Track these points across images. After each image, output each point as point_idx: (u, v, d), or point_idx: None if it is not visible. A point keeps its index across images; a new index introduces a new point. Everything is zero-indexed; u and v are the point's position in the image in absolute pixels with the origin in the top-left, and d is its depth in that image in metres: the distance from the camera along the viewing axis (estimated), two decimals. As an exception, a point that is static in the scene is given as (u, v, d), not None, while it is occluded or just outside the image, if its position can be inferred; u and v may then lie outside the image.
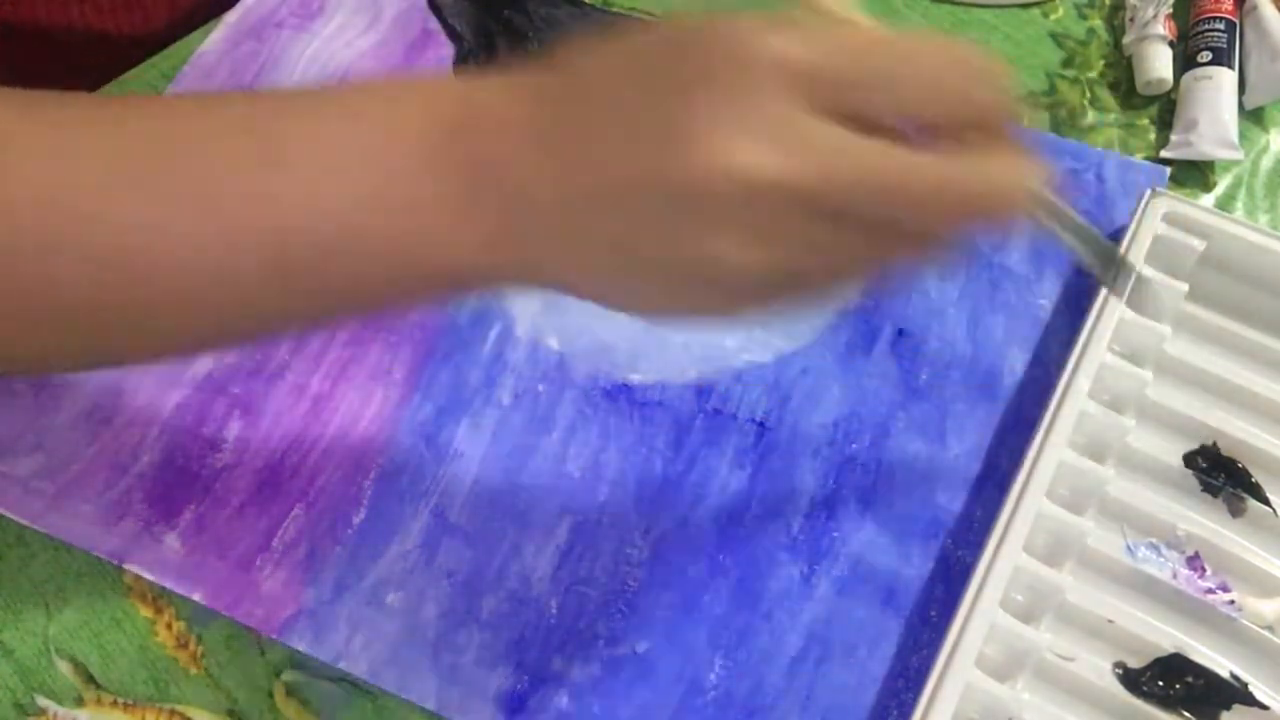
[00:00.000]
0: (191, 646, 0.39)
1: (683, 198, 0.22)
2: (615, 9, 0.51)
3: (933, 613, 0.38)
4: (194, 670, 0.38)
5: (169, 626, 0.39)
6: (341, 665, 0.37)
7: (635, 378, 0.42)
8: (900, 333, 0.43)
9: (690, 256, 0.23)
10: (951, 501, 0.40)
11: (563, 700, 0.37)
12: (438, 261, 0.26)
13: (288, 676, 0.38)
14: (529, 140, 0.25)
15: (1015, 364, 0.42)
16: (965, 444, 0.41)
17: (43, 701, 0.38)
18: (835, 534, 0.40)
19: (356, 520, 0.40)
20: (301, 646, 0.38)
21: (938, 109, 0.23)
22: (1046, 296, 0.43)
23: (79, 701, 0.38)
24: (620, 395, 0.42)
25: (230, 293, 0.27)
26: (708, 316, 0.26)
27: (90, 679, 0.38)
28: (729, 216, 0.22)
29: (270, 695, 0.38)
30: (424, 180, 0.25)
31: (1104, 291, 0.40)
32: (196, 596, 0.38)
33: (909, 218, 0.23)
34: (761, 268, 0.23)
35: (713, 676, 0.37)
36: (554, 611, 0.38)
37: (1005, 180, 0.23)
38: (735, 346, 0.43)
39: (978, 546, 0.37)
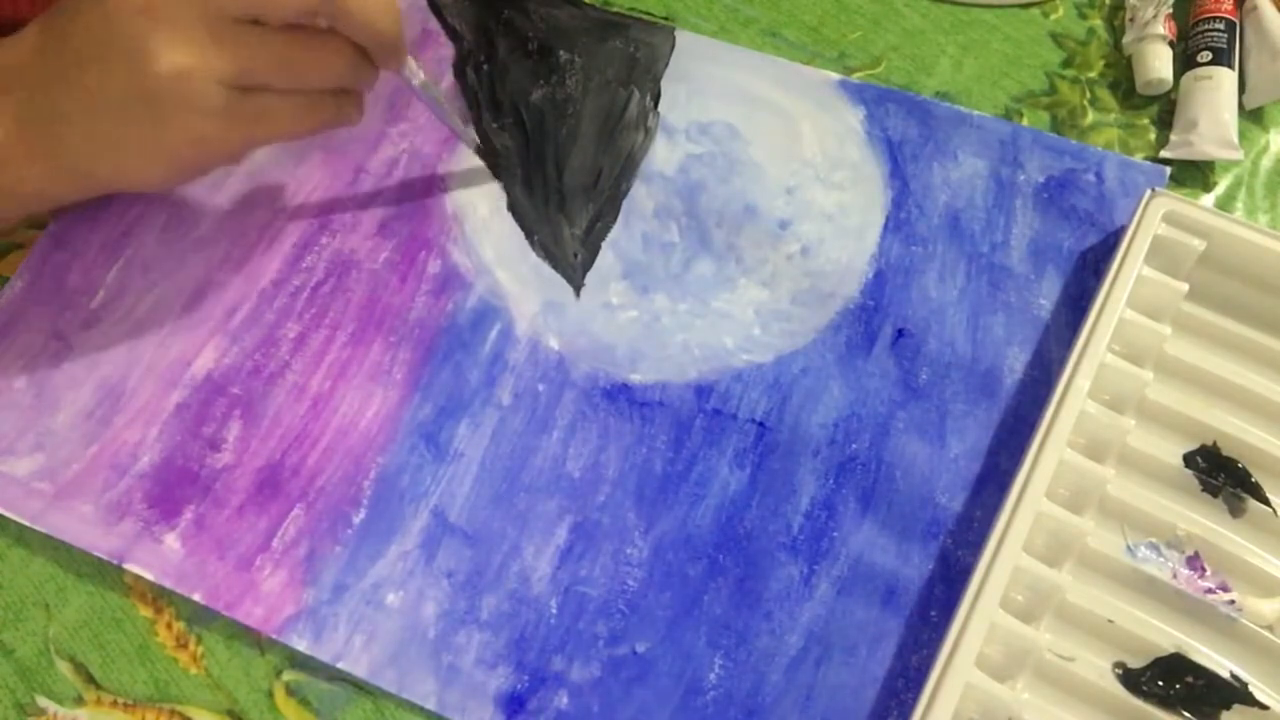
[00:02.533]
0: (191, 646, 0.39)
1: (111, 33, 0.33)
2: (615, 9, 0.51)
3: (933, 613, 0.38)
4: (194, 670, 0.38)
5: (169, 626, 0.39)
6: (341, 665, 0.37)
7: (635, 378, 0.42)
8: (900, 333, 0.43)
9: (139, 81, 0.33)
10: (951, 501, 0.40)
11: (562, 700, 0.37)
12: (24, 189, 0.38)
13: (288, 676, 0.38)
14: (44, 89, 0.35)
15: (1015, 364, 0.42)
16: (965, 444, 0.41)
17: (43, 701, 0.38)
18: (835, 534, 0.40)
19: (356, 520, 0.40)
20: (301, 646, 0.38)
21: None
22: (1046, 296, 0.43)
23: (79, 701, 0.38)
24: (620, 395, 0.42)
25: None
26: (217, 148, 0.36)
27: (90, 679, 0.38)
28: (148, 33, 0.32)
29: (270, 695, 0.38)
30: None
31: (1104, 291, 0.40)
32: (196, 596, 0.38)
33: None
34: (215, 66, 0.33)
35: (712, 676, 0.37)
36: (554, 611, 0.38)
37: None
38: (735, 346, 0.43)
39: (978, 546, 0.37)
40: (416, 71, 0.41)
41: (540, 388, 0.42)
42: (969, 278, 0.44)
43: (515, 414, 0.42)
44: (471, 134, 0.45)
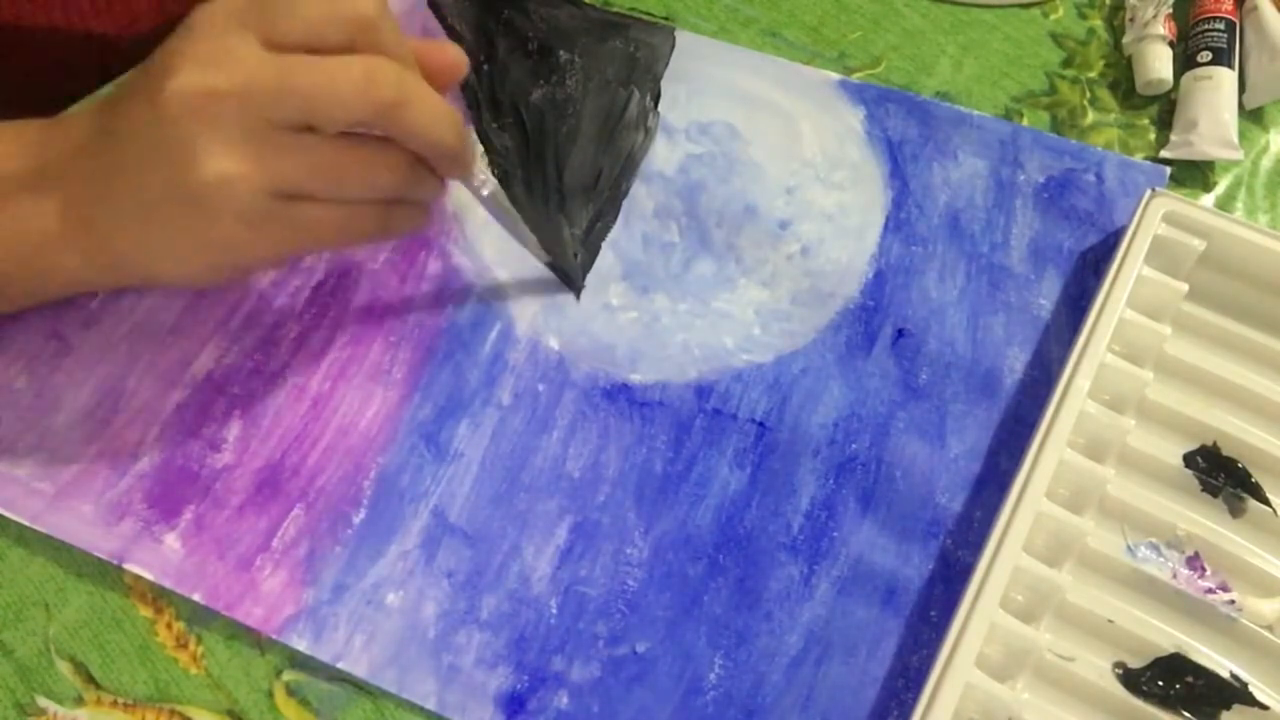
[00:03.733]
0: (191, 646, 0.39)
1: (160, 134, 0.32)
2: (615, 9, 0.51)
3: (933, 613, 0.38)
4: (194, 670, 0.38)
5: (169, 626, 0.39)
6: (341, 665, 0.37)
7: (635, 378, 0.42)
8: (900, 333, 0.43)
9: (185, 184, 0.32)
10: (951, 501, 0.40)
11: (562, 700, 0.37)
12: (60, 278, 0.38)
13: (288, 676, 0.38)
14: (88, 183, 0.35)
15: (1015, 364, 0.42)
16: (965, 444, 0.41)
17: (43, 701, 0.38)
18: (835, 534, 0.40)
19: (356, 520, 0.40)
20: (301, 646, 0.38)
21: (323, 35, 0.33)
22: (1046, 296, 0.43)
23: (79, 701, 0.38)
24: (620, 395, 0.42)
25: None
26: (265, 253, 0.35)
27: (90, 679, 0.38)
28: (197, 136, 0.32)
29: (270, 695, 0.38)
30: (32, 213, 0.36)
31: (1104, 291, 0.40)
32: (196, 596, 0.38)
33: (328, 110, 0.32)
34: (258, 174, 0.32)
35: (712, 676, 0.37)
36: (554, 611, 0.38)
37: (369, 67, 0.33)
38: (735, 346, 0.43)
39: (978, 546, 0.37)
40: (486, 181, 0.39)
41: (540, 388, 0.42)
42: (969, 278, 0.44)
43: (515, 414, 0.42)
44: (540, 247, 0.42)
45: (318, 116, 0.32)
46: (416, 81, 0.34)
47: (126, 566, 0.39)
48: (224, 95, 0.31)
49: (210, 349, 0.43)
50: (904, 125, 0.47)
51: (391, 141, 0.34)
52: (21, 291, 0.40)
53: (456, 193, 0.46)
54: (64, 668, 0.38)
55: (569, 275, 0.44)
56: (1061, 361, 0.40)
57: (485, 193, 0.39)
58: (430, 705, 0.37)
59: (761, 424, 0.41)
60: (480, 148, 0.36)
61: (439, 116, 0.34)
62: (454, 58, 0.36)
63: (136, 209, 0.34)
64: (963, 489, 0.40)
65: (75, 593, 0.39)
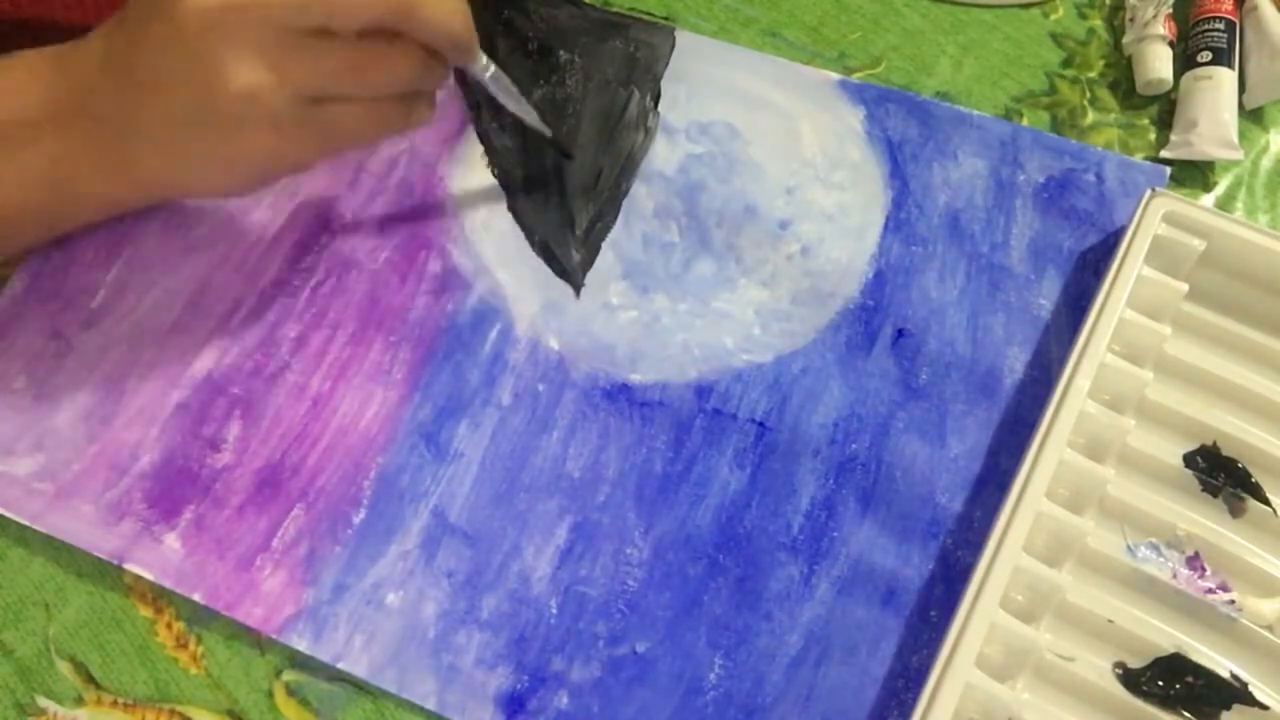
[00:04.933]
0: (191, 646, 0.39)
1: (183, 50, 0.33)
2: (615, 9, 0.51)
3: (933, 613, 0.38)
4: (194, 670, 0.38)
5: (169, 626, 0.39)
6: (341, 665, 0.37)
7: (635, 378, 0.42)
8: (900, 333, 0.43)
9: (212, 98, 0.33)
10: (951, 501, 0.40)
11: (562, 700, 0.37)
12: (91, 204, 0.40)
13: (288, 676, 0.38)
14: (112, 106, 0.36)
15: (1015, 364, 0.42)
16: (965, 444, 0.41)
17: (43, 701, 0.38)
18: (835, 534, 0.40)
19: (356, 520, 0.40)
20: (301, 646, 0.38)
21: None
22: (1046, 296, 0.43)
23: (79, 701, 0.38)
24: (620, 395, 0.42)
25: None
26: (285, 159, 0.36)
27: (90, 679, 0.38)
28: (219, 49, 0.32)
29: (270, 695, 0.38)
30: (60, 156, 0.37)
31: (1104, 291, 0.40)
32: (196, 596, 0.38)
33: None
34: (285, 81, 0.33)
35: (712, 676, 0.37)
36: (554, 611, 0.38)
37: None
38: (735, 346, 0.43)
39: (978, 546, 0.37)
40: (488, 66, 0.40)
41: (540, 388, 0.42)
42: (969, 278, 0.44)
43: (515, 414, 0.42)
44: (542, 122, 0.44)
45: (336, 20, 0.33)
46: None
47: (126, 566, 0.39)
48: (243, 7, 0.32)
49: (210, 349, 0.43)
50: (904, 125, 0.47)
51: (402, 36, 0.35)
52: (53, 220, 0.41)
53: (456, 193, 0.46)
54: (64, 668, 0.38)
55: (567, 152, 0.46)
56: (1061, 361, 0.40)
57: (489, 74, 0.40)
58: (430, 705, 0.37)
59: (761, 424, 0.41)
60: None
61: (450, 10, 0.35)
62: None
63: (165, 129, 0.35)
64: (963, 489, 0.40)
65: (75, 593, 0.39)
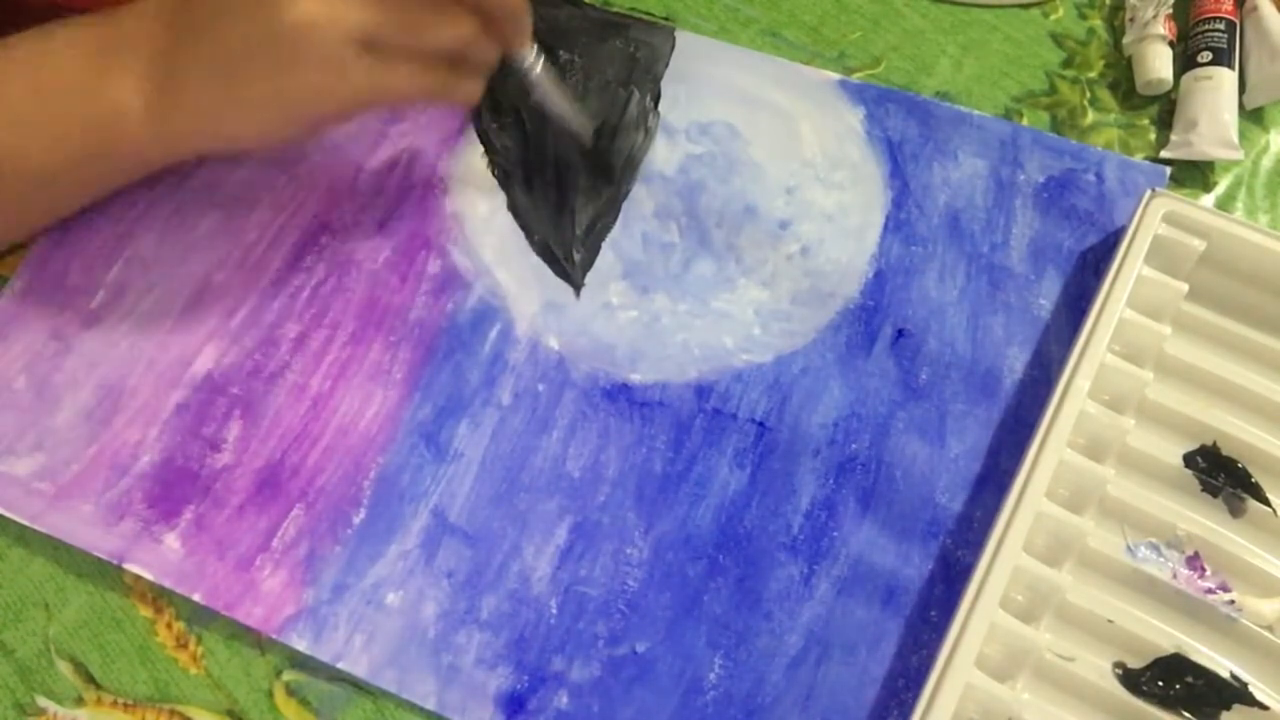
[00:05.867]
0: (191, 646, 0.39)
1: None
2: (615, 9, 0.51)
3: (932, 613, 0.38)
4: (194, 670, 0.38)
5: (169, 626, 0.39)
6: (341, 665, 0.37)
7: (635, 377, 0.42)
8: (900, 333, 0.43)
9: (268, 33, 0.34)
10: (951, 501, 0.40)
11: (562, 700, 0.37)
12: (130, 155, 0.40)
13: (288, 676, 0.38)
14: (166, 50, 0.37)
15: (1015, 364, 0.42)
16: (965, 444, 0.41)
17: (43, 701, 0.38)
18: (835, 534, 0.40)
19: (356, 520, 0.40)
20: (301, 646, 0.38)
21: None
22: (1046, 296, 0.43)
23: (79, 701, 0.38)
24: (620, 395, 0.42)
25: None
26: (347, 97, 0.37)
27: (90, 679, 0.38)
28: None
29: (270, 695, 0.38)
30: (106, 99, 0.38)
31: (1104, 291, 0.40)
32: (196, 596, 0.38)
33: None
34: (341, 19, 0.34)
35: (712, 676, 0.37)
36: (554, 611, 0.38)
37: None
38: (735, 346, 0.43)
39: (978, 546, 0.37)
40: (536, 62, 0.41)
41: (540, 388, 0.42)
42: (969, 278, 0.44)
43: (515, 414, 0.42)
44: (588, 126, 0.44)
45: None
46: None
47: (126, 566, 0.39)
48: None
49: (210, 349, 0.43)
50: (904, 125, 0.47)
51: (461, 2, 0.37)
52: (100, 175, 0.42)
53: (456, 193, 0.46)
54: (64, 668, 0.38)
55: (610, 168, 0.46)
56: (1061, 361, 0.40)
57: (536, 72, 0.41)
58: (430, 705, 0.37)
59: (761, 424, 0.41)
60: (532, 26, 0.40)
61: None
62: None
63: (216, 65, 0.36)
64: (963, 489, 0.40)
65: (75, 593, 0.39)
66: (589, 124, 0.44)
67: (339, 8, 0.34)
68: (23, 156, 0.39)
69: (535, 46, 0.40)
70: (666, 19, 0.50)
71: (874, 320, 0.43)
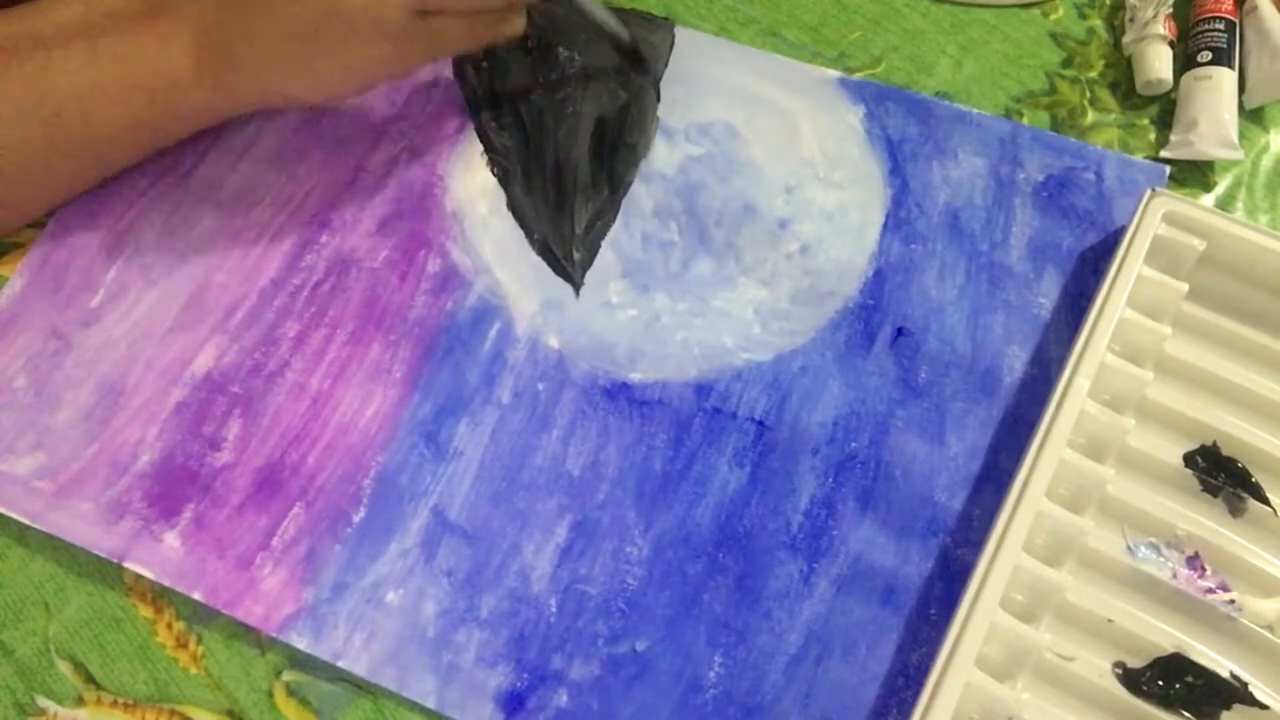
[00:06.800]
0: (191, 646, 0.39)
1: None
2: (615, 7, 0.51)
3: (932, 611, 0.38)
4: (194, 670, 0.38)
5: (169, 626, 0.39)
6: (341, 664, 0.37)
7: (635, 376, 0.42)
8: (900, 332, 0.43)
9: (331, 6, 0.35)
10: (951, 500, 0.40)
11: (562, 698, 0.37)
12: (188, 112, 0.42)
13: (288, 676, 0.38)
14: (226, 11, 0.38)
15: (1014, 363, 0.42)
16: (964, 443, 0.41)
17: (43, 702, 0.38)
18: (834, 533, 0.40)
19: (356, 519, 0.40)
20: (301, 645, 0.38)
21: None
22: (1046, 296, 0.43)
23: (79, 701, 0.38)
24: (620, 394, 0.42)
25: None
26: (390, 62, 0.39)
27: (90, 679, 0.38)
28: None
29: (270, 695, 0.38)
30: (163, 63, 0.39)
31: (1104, 291, 0.40)
32: (196, 595, 0.38)
33: None
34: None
35: (712, 675, 0.37)
36: (553, 610, 0.38)
37: None
38: (735, 345, 0.43)
39: (977, 545, 0.37)
40: None
41: (540, 386, 0.42)
42: (968, 276, 0.44)
43: (515, 413, 0.42)
44: (621, 27, 0.46)
45: None
46: None
47: (126, 565, 0.39)
48: None
49: (210, 348, 0.43)
50: (904, 124, 0.47)
51: None
52: (153, 133, 0.43)
53: (456, 192, 0.46)
54: (64, 668, 0.38)
55: (644, 64, 0.48)
56: (1061, 360, 0.40)
57: None
58: (430, 704, 0.37)
59: (761, 422, 0.41)
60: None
61: None
62: None
63: (282, 42, 0.37)
64: (962, 487, 0.40)
65: (75, 593, 0.39)
66: (620, 26, 0.46)
67: None
68: (86, 121, 0.40)
69: None
70: (666, 20, 0.50)
71: (873, 319, 0.43)
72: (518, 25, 0.42)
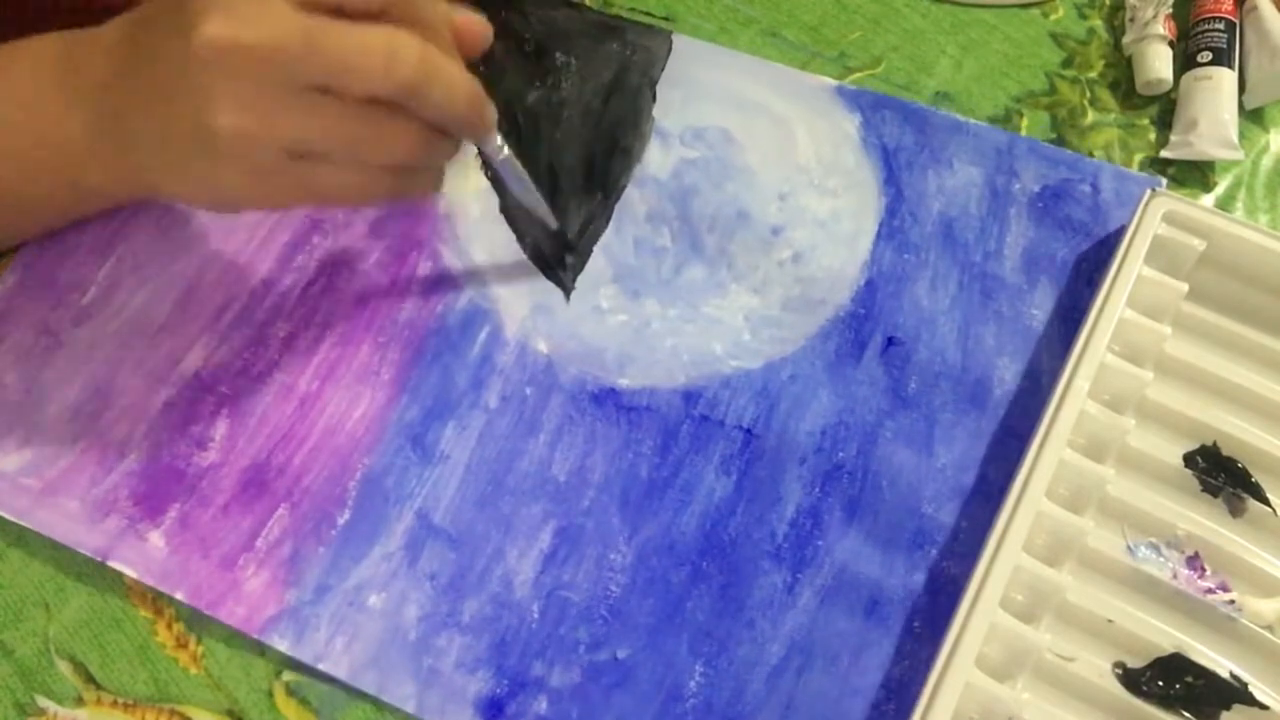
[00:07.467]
0: (191, 646, 0.39)
1: (186, 74, 0.32)
2: (614, 10, 0.51)
3: (916, 623, 0.37)
4: (194, 670, 0.38)
5: (169, 626, 0.39)
6: (322, 666, 0.37)
7: (623, 382, 0.42)
8: (890, 341, 0.42)
9: (201, 127, 0.33)
10: (938, 511, 0.39)
11: (542, 705, 0.37)
12: (89, 189, 0.40)
13: (288, 676, 0.38)
14: (116, 105, 0.36)
15: (1005, 374, 0.41)
16: (953, 454, 0.40)
17: (43, 701, 0.38)
18: (820, 543, 0.39)
19: (340, 521, 0.40)
20: (283, 647, 0.38)
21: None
22: (1038, 307, 0.43)
23: (79, 701, 0.38)
24: (608, 399, 0.42)
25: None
26: (260, 199, 0.36)
27: (90, 679, 0.38)
28: (218, 84, 0.32)
29: (270, 695, 0.38)
30: (63, 140, 0.38)
31: (1104, 291, 0.39)
32: (179, 595, 0.39)
33: (347, 75, 0.32)
34: (270, 131, 0.33)
35: (693, 684, 0.37)
36: (535, 616, 0.38)
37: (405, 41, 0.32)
38: (724, 352, 0.43)
39: (963, 557, 0.36)
40: (502, 147, 0.38)
41: (528, 391, 0.42)
42: (961, 287, 0.43)
43: (502, 417, 0.42)
44: (551, 215, 0.43)
45: (337, 84, 0.32)
46: (440, 57, 0.33)
47: (110, 563, 0.39)
48: (249, 50, 0.31)
49: (199, 347, 0.43)
50: (899, 132, 0.47)
51: (407, 115, 0.34)
52: (63, 209, 0.43)
53: (448, 195, 0.47)
54: (64, 668, 0.38)
55: (572, 248, 0.45)
56: (1053, 372, 0.39)
57: (501, 157, 0.39)
58: (409, 708, 0.37)
59: (749, 431, 0.41)
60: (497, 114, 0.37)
61: (458, 94, 0.34)
62: (481, 29, 0.36)
63: (158, 135, 0.35)
64: (949, 499, 0.39)
65: (75, 593, 0.40)
66: (551, 215, 0.42)
67: (271, 120, 0.32)
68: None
69: (497, 135, 0.37)
70: (666, 19, 0.50)
71: (864, 328, 0.43)
72: (429, 186, 0.38)
